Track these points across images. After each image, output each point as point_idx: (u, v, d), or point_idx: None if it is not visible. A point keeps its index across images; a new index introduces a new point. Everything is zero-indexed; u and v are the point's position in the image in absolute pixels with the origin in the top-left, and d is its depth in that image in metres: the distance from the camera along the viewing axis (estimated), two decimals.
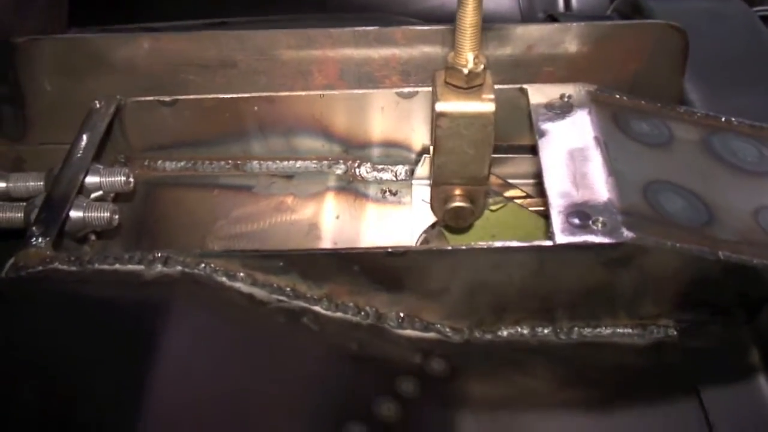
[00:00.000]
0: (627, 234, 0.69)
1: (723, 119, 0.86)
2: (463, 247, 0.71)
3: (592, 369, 0.73)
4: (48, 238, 0.72)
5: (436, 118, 0.72)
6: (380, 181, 0.92)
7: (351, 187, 0.92)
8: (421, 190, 0.90)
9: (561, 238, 0.69)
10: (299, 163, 0.93)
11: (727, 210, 0.75)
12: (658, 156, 0.80)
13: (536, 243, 0.70)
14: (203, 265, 0.71)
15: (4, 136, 0.94)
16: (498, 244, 0.70)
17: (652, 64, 0.90)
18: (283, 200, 0.90)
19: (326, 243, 0.86)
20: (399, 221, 0.89)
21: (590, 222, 0.70)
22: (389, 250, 0.70)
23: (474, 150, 0.74)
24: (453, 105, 0.72)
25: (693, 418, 0.68)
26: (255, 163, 0.93)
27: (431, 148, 0.77)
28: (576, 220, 0.70)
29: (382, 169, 0.93)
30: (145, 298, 0.68)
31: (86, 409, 0.62)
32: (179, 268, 0.70)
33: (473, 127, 0.73)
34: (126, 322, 0.67)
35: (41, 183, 0.82)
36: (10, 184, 0.83)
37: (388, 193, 0.92)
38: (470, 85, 0.71)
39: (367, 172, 0.93)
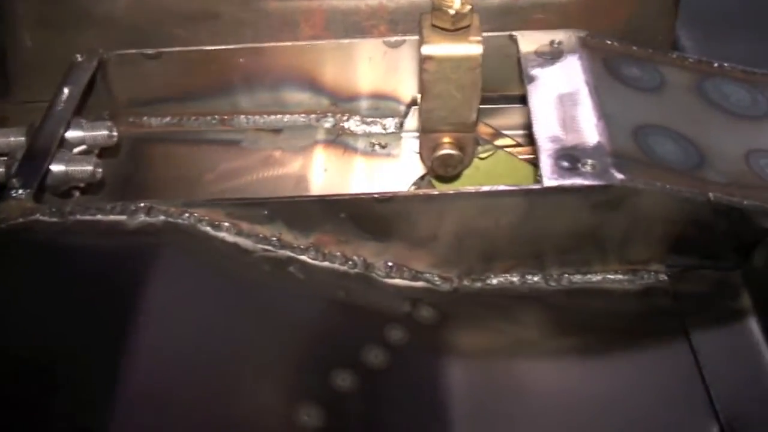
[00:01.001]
0: (617, 176, 0.68)
1: (716, 64, 0.85)
2: (450, 192, 0.70)
3: (582, 315, 0.72)
4: (28, 190, 0.71)
5: (423, 62, 0.71)
6: (369, 134, 0.91)
7: (340, 141, 0.91)
8: (411, 143, 0.88)
9: (549, 180, 0.68)
10: (287, 117, 0.92)
11: (718, 153, 0.74)
12: (650, 100, 0.78)
13: (524, 186, 0.69)
14: (187, 215, 0.70)
15: None
16: (486, 188, 0.69)
17: (643, 10, 0.88)
18: (271, 154, 0.89)
19: None
20: (388, 174, 0.88)
21: (579, 165, 0.69)
22: (375, 195, 0.69)
23: (461, 94, 0.73)
24: (439, 48, 0.71)
25: (683, 361, 0.68)
26: (242, 117, 0.92)
27: (419, 95, 0.75)
28: (565, 163, 0.69)
29: (371, 122, 0.92)
30: (128, 246, 0.67)
31: (71, 357, 0.61)
32: (162, 217, 0.69)
33: (460, 70, 0.71)
34: (109, 271, 0.66)
35: (23, 138, 0.80)
36: None
37: (377, 146, 0.91)
38: (457, 27, 0.70)
39: (356, 125, 0.92)
